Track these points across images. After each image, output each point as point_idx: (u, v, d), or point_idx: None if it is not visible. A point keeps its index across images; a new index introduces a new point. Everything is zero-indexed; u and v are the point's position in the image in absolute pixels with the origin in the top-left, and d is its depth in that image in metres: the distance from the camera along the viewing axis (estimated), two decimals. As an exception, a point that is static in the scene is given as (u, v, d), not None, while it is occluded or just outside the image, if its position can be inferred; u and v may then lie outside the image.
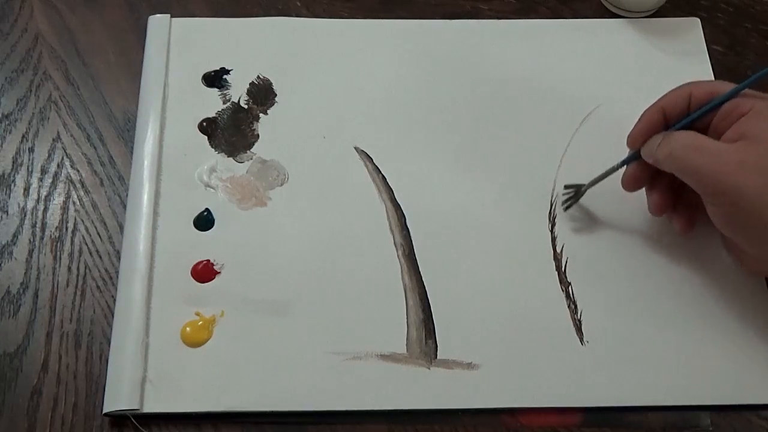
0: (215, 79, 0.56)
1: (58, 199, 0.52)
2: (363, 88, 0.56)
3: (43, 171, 0.53)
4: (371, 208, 0.52)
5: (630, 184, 0.49)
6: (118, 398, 0.45)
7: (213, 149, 0.54)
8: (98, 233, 0.51)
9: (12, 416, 0.45)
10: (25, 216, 0.51)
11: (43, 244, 0.50)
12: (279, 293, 0.49)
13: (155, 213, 0.51)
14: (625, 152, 0.49)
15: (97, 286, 0.49)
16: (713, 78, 0.57)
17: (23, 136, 0.54)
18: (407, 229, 0.51)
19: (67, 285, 0.49)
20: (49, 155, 0.54)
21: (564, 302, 0.49)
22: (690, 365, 0.47)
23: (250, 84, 0.56)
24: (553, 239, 0.51)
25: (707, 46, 0.58)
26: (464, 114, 0.55)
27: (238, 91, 0.56)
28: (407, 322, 0.48)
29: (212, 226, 0.51)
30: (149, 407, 0.45)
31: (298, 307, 0.48)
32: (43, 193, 0.52)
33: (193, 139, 0.54)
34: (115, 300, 0.48)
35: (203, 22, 0.59)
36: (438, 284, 0.49)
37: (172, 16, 0.58)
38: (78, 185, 0.53)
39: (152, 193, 0.51)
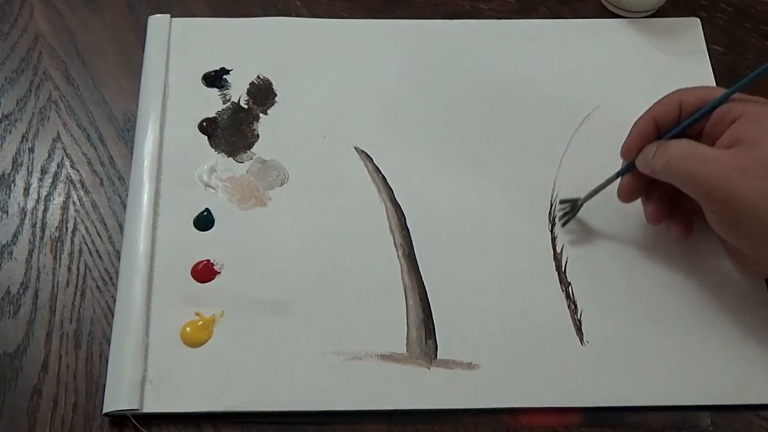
0: (215, 79, 0.56)
1: (58, 199, 0.52)
2: (363, 88, 0.56)
3: (43, 171, 0.53)
4: (371, 208, 0.52)
5: (626, 195, 0.49)
6: (118, 398, 0.45)
7: (213, 149, 0.54)
8: (98, 233, 0.51)
9: (12, 416, 0.45)
10: (25, 216, 0.51)
11: (43, 244, 0.50)
12: (279, 293, 0.49)
13: (155, 213, 0.51)
14: (625, 152, 0.49)
15: (97, 286, 0.49)
16: (713, 78, 0.57)
17: (23, 136, 0.54)
18: (407, 229, 0.51)
19: (67, 285, 0.49)
20: (49, 155, 0.54)
21: (564, 302, 0.49)
22: (690, 365, 0.47)
23: (250, 84, 0.56)
24: (553, 239, 0.51)
25: (707, 46, 0.58)
26: (464, 114, 0.55)
27: (238, 91, 0.56)
28: (407, 322, 0.48)
29: (212, 226, 0.51)
30: (149, 407, 0.45)
31: (298, 307, 0.48)
32: (43, 193, 0.52)
33: (193, 139, 0.54)
34: (115, 300, 0.48)
35: (203, 22, 0.59)
36: (438, 284, 0.49)
37: (172, 16, 0.58)
38: (78, 185, 0.53)
39: (152, 193, 0.51)
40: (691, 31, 0.59)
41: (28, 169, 0.53)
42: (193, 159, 0.53)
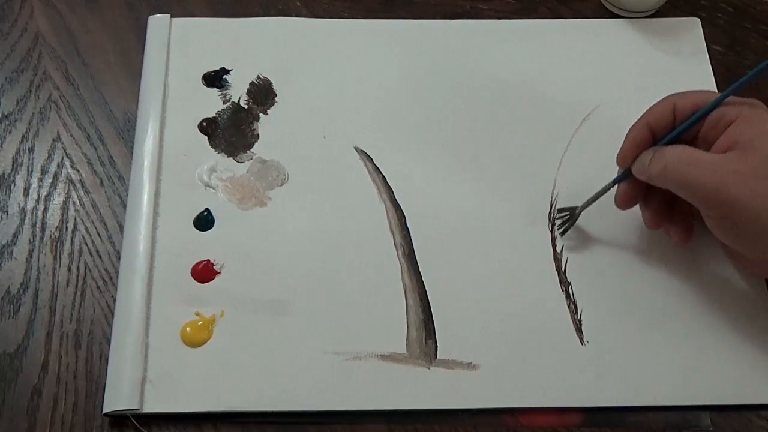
0: (215, 79, 0.56)
1: (58, 199, 0.52)
2: (363, 88, 0.56)
3: (43, 171, 0.53)
4: (371, 208, 0.52)
5: (623, 203, 0.48)
6: (118, 398, 0.45)
7: (213, 149, 0.54)
8: (98, 233, 0.51)
9: (12, 416, 0.45)
10: (25, 216, 0.51)
11: (43, 244, 0.50)
12: (279, 293, 0.49)
13: (155, 213, 0.51)
14: (625, 152, 0.49)
15: (97, 286, 0.49)
16: (713, 78, 0.57)
17: (23, 136, 0.54)
18: (407, 229, 0.51)
19: (67, 285, 0.49)
20: (49, 155, 0.54)
21: (564, 302, 0.49)
22: (690, 365, 0.47)
23: (250, 84, 0.56)
24: (553, 239, 0.51)
25: (707, 46, 0.58)
26: (464, 114, 0.55)
27: (238, 91, 0.56)
28: (407, 322, 0.48)
29: (212, 226, 0.51)
30: (149, 407, 0.45)
31: (298, 307, 0.48)
32: (43, 193, 0.52)
33: (193, 139, 0.54)
34: (115, 300, 0.48)
35: (203, 22, 0.59)
36: (438, 284, 0.49)
37: (172, 16, 0.58)
38: (78, 185, 0.53)
39: (152, 193, 0.51)
40: (691, 31, 0.59)
41: (28, 169, 0.53)
42: (193, 159, 0.53)
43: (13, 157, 0.54)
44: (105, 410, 0.45)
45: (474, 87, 0.56)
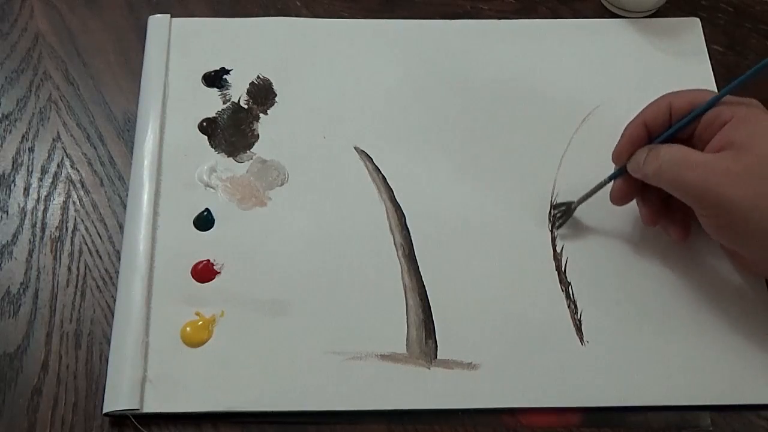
0: (215, 79, 0.56)
1: (58, 199, 0.52)
2: (363, 88, 0.56)
3: (43, 171, 0.53)
4: (371, 208, 0.52)
5: (618, 199, 0.49)
6: (118, 398, 0.45)
7: (213, 149, 0.54)
8: (98, 233, 0.51)
9: (12, 416, 0.45)
10: (25, 216, 0.51)
11: (43, 244, 0.50)
12: (279, 293, 0.49)
13: (155, 213, 0.51)
14: (625, 152, 0.49)
15: (97, 286, 0.49)
16: (713, 78, 0.57)
17: (23, 136, 0.54)
18: (407, 229, 0.51)
19: (67, 285, 0.49)
20: (49, 155, 0.54)
21: (564, 302, 0.49)
22: (690, 365, 0.47)
23: (250, 84, 0.56)
24: (553, 239, 0.51)
25: (707, 46, 0.58)
26: (464, 114, 0.55)
27: (238, 91, 0.56)
28: (407, 322, 0.48)
29: (212, 226, 0.51)
30: (149, 407, 0.45)
31: (298, 307, 0.48)
32: (43, 193, 0.52)
33: (193, 139, 0.54)
34: (115, 300, 0.48)
35: (203, 22, 0.59)
36: (438, 284, 0.49)
37: (172, 16, 0.58)
38: (78, 185, 0.53)
39: (152, 193, 0.51)
40: (691, 31, 0.59)
41: (28, 169, 0.53)
42: (193, 159, 0.53)
43: (13, 157, 0.54)
44: (105, 410, 0.45)
45: (474, 87, 0.56)
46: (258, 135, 0.54)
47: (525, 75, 0.57)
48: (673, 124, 0.46)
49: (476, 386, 0.46)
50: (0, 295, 0.49)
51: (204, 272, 0.49)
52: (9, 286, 0.49)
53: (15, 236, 0.51)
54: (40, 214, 0.52)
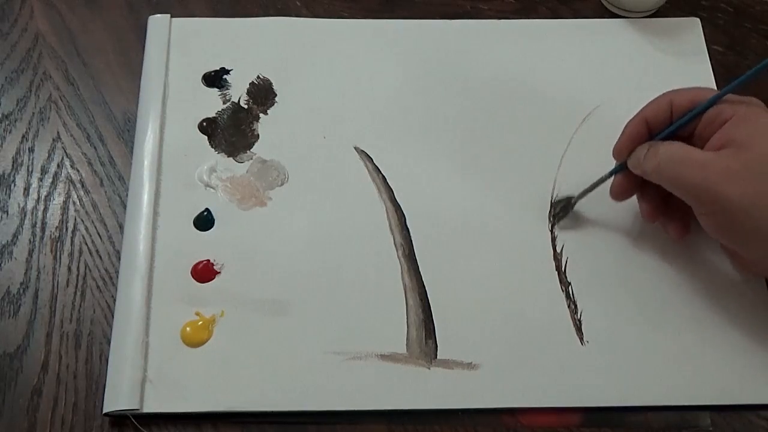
0: (215, 79, 0.56)
1: (58, 199, 0.52)
2: (363, 88, 0.56)
3: (43, 171, 0.53)
4: (371, 208, 0.52)
5: (618, 194, 0.49)
6: (118, 398, 0.45)
7: (213, 149, 0.54)
8: (98, 233, 0.51)
9: (12, 416, 0.45)
10: (25, 216, 0.51)
11: (43, 244, 0.50)
12: (279, 293, 0.49)
13: (155, 213, 0.51)
14: (625, 152, 0.49)
15: (97, 286, 0.49)
16: (713, 78, 0.57)
17: (23, 136, 0.54)
18: (407, 229, 0.51)
19: (67, 285, 0.49)
20: (49, 155, 0.54)
21: (564, 302, 0.49)
22: (690, 365, 0.47)
23: (250, 84, 0.56)
24: (553, 239, 0.51)
25: (707, 46, 0.58)
26: (464, 114, 0.55)
27: (238, 91, 0.56)
28: (407, 322, 0.48)
29: (212, 226, 0.51)
30: (149, 407, 0.45)
31: (298, 307, 0.48)
32: (43, 193, 0.52)
33: (193, 139, 0.54)
34: (115, 300, 0.48)
35: (203, 22, 0.59)
36: (438, 284, 0.49)
37: (172, 16, 0.58)
38: (78, 185, 0.53)
39: (152, 193, 0.51)
40: (691, 31, 0.59)
41: (28, 169, 0.53)
42: (193, 159, 0.53)
43: (13, 157, 0.54)
44: (105, 410, 0.45)
45: (474, 87, 0.56)
46: (258, 135, 0.54)
47: (525, 75, 0.57)
48: (674, 122, 0.46)
49: (476, 386, 0.46)
50: (0, 295, 0.49)
51: (204, 272, 0.49)
52: (9, 286, 0.49)
53: (15, 236, 0.51)
54: (40, 214, 0.52)
